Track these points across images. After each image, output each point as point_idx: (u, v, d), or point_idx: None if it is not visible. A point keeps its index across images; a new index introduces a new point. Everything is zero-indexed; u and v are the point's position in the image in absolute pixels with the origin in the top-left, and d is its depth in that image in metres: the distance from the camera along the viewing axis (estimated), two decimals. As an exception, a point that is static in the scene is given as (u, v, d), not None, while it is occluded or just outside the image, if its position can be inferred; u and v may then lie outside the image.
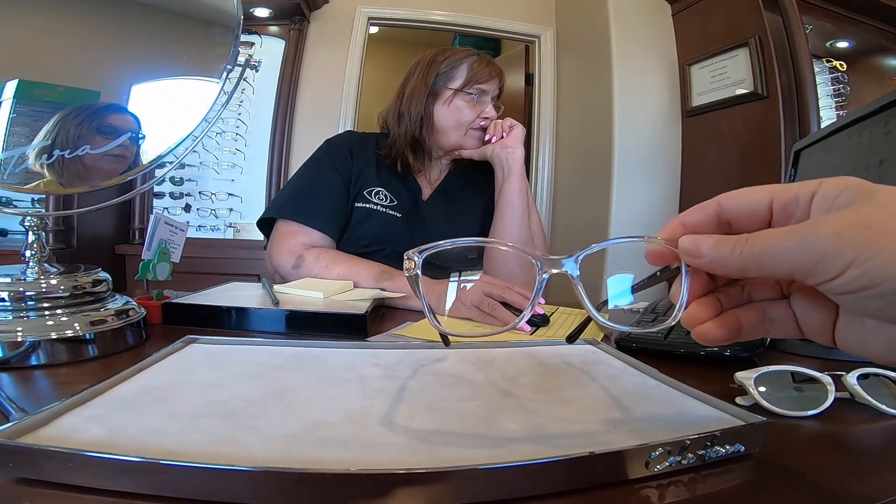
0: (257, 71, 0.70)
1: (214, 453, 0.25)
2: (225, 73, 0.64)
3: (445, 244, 0.31)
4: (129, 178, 0.61)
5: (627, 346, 0.54)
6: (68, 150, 0.54)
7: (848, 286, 0.21)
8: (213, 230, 2.28)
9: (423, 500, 0.23)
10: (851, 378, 0.40)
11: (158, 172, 0.68)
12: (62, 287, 0.49)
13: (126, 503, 0.23)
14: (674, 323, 0.29)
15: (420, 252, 0.31)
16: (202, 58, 0.66)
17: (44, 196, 0.67)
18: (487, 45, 3.50)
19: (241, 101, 2.29)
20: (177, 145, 0.61)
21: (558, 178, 2.61)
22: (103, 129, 0.58)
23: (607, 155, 2.15)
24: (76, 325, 0.47)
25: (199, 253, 2.05)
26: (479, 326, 0.65)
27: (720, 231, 0.26)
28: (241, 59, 0.66)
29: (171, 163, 0.65)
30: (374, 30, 2.67)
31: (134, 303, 0.56)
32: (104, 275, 0.54)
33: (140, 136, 0.60)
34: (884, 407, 0.38)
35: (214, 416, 0.30)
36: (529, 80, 2.76)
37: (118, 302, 0.54)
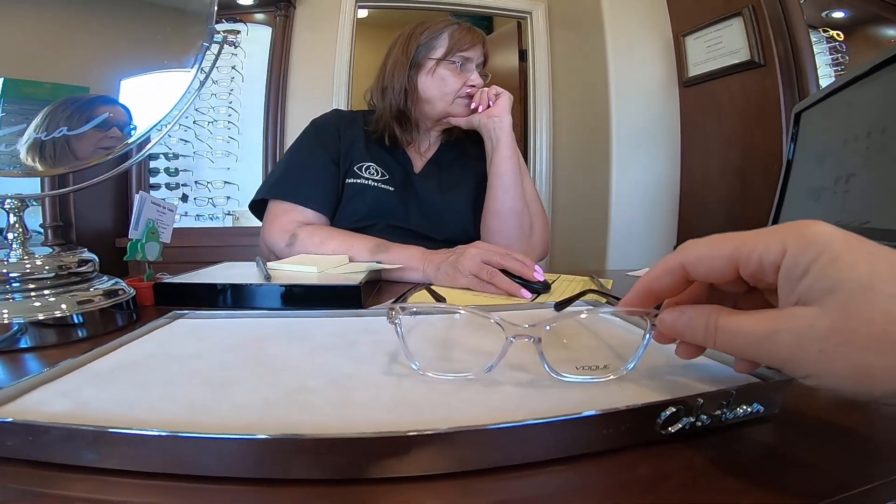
0: (236, 47, 0.69)
1: (185, 422, 0.24)
2: (202, 52, 0.63)
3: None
4: (113, 160, 0.59)
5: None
6: (45, 133, 0.53)
7: (810, 382, 0.23)
8: (211, 219, 2.28)
9: (408, 465, 0.21)
10: None
11: (147, 148, 0.67)
12: (47, 267, 0.48)
13: (96, 479, 0.21)
14: (622, 374, 0.30)
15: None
16: (180, 42, 0.65)
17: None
18: (481, 24, 3.44)
19: (232, 90, 2.27)
20: (155, 125, 0.60)
21: (557, 153, 2.58)
22: (91, 119, 0.57)
23: (605, 129, 2.13)
24: (63, 305, 0.47)
25: (199, 242, 2.05)
26: (478, 296, 0.64)
27: (690, 292, 0.29)
28: (219, 36, 0.65)
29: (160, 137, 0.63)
30: (363, 13, 2.63)
31: (123, 283, 0.55)
32: (90, 255, 0.53)
33: (132, 126, 0.60)
34: None
35: (188, 385, 0.28)
36: (523, 56, 2.72)
37: (106, 282, 0.53)
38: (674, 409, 0.24)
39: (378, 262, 0.75)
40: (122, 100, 0.58)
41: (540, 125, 2.59)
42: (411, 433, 0.21)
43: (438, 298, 0.57)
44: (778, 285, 0.23)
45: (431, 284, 0.70)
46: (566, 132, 2.53)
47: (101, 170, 0.60)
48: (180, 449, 0.21)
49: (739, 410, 0.26)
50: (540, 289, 0.64)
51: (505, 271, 0.65)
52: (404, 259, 0.76)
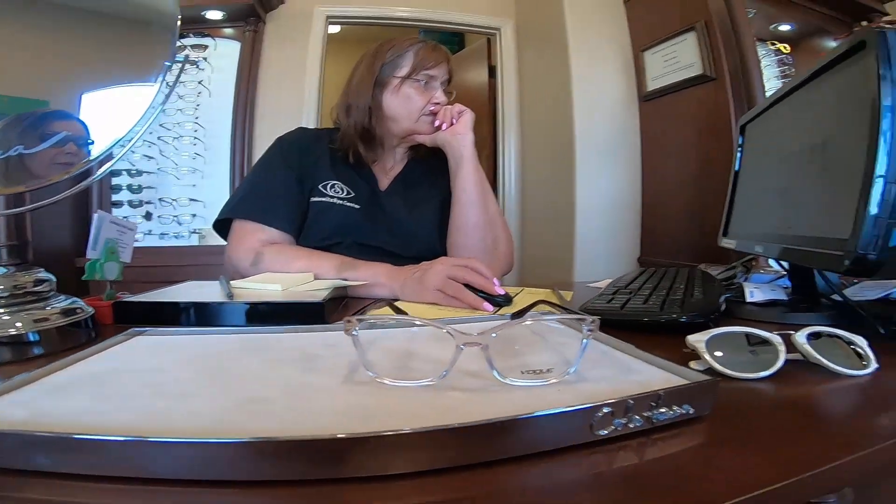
0: (197, 65, 0.69)
1: (138, 429, 0.24)
2: (164, 71, 0.63)
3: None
4: (72, 178, 0.59)
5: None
6: (1, 151, 0.52)
7: None
8: (177, 237, 2.23)
9: (356, 467, 0.22)
10: (801, 337, 0.39)
11: (109, 167, 0.66)
12: (1, 286, 0.48)
13: (52, 483, 0.22)
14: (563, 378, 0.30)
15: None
16: (143, 58, 0.65)
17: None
18: (452, 41, 3.51)
19: (198, 105, 2.24)
20: (113, 145, 0.60)
21: (525, 166, 2.64)
22: (47, 136, 0.56)
23: (569, 142, 2.19)
24: (18, 323, 0.46)
25: (165, 261, 2.00)
26: (443, 310, 0.66)
27: None
28: (181, 55, 0.65)
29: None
30: (335, 29, 2.65)
31: (81, 302, 0.55)
32: (46, 274, 0.53)
33: (89, 140, 0.59)
34: (834, 367, 0.38)
35: (146, 397, 0.29)
36: (493, 72, 2.79)
37: (63, 301, 0.53)
38: (606, 412, 0.26)
39: (344, 280, 0.76)
40: (81, 115, 0.58)
41: (508, 139, 2.65)
42: (364, 435, 0.22)
43: (400, 313, 0.58)
44: None
45: (397, 300, 0.71)
46: (534, 146, 2.59)
47: (61, 188, 0.59)
48: (134, 454, 0.22)
49: (669, 412, 0.28)
50: (502, 301, 0.67)
51: (469, 286, 0.67)
52: (371, 276, 0.77)
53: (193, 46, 2.20)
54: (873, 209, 0.50)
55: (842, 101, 0.60)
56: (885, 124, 0.50)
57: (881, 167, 0.50)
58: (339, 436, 0.22)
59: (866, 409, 0.34)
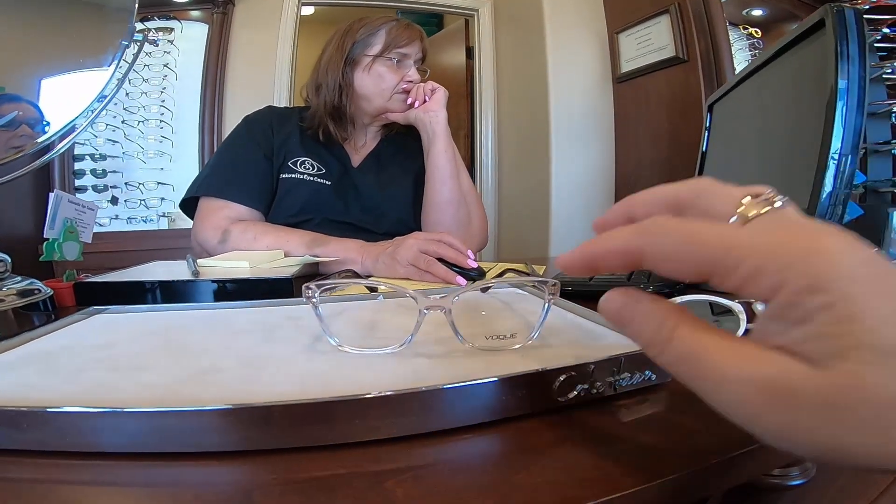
0: (156, 45, 0.68)
1: (85, 401, 0.24)
2: (121, 50, 0.61)
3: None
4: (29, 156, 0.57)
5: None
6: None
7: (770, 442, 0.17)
8: (145, 221, 2.17)
9: (311, 435, 0.22)
10: (761, 306, 0.41)
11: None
12: (-50, 268, 0.46)
13: None
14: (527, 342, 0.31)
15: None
16: (100, 39, 0.63)
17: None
18: (431, 22, 3.46)
19: (164, 88, 2.17)
20: (69, 124, 0.58)
21: (501, 147, 2.64)
22: None
23: (545, 124, 2.20)
24: (-30, 305, 0.45)
25: (134, 245, 1.96)
26: (416, 285, 0.66)
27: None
28: (139, 34, 0.63)
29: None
30: (308, 10, 2.58)
31: (39, 283, 0.53)
32: (1, 255, 0.51)
33: (44, 122, 0.57)
34: None
35: (97, 370, 0.28)
36: (470, 53, 2.76)
37: (20, 282, 0.51)
38: (566, 376, 0.26)
39: (314, 256, 0.75)
40: (38, 98, 0.56)
41: (486, 120, 2.64)
42: (318, 400, 0.22)
43: (372, 290, 0.58)
44: (763, 315, 0.18)
45: (370, 276, 0.71)
46: (510, 127, 2.59)
47: (14, 168, 0.57)
48: (82, 426, 0.21)
49: (631, 378, 0.28)
50: (475, 276, 0.67)
51: (442, 260, 0.67)
52: (342, 252, 0.77)
53: (158, 29, 2.12)
54: (828, 185, 0.51)
55: (801, 78, 0.61)
56: (841, 101, 0.51)
57: (836, 143, 0.52)
58: (292, 401, 0.22)
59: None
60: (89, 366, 0.29)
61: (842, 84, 0.52)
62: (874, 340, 0.15)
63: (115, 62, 0.62)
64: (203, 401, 0.23)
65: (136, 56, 0.66)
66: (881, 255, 0.16)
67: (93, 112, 0.61)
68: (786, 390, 0.16)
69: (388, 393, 0.23)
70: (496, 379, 0.25)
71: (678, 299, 0.41)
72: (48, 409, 0.21)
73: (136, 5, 0.63)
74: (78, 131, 0.62)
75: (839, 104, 0.52)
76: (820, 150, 0.53)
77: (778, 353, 0.17)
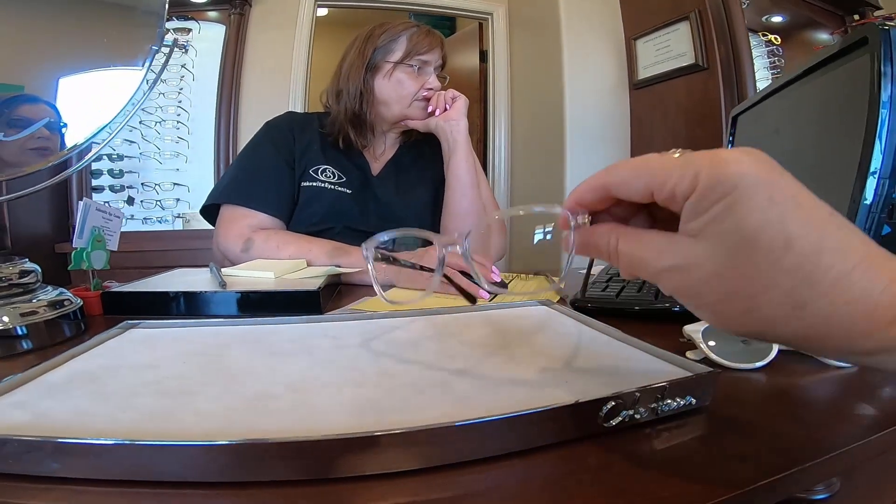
0: (186, 51, 0.67)
1: (146, 431, 0.24)
2: (151, 55, 0.61)
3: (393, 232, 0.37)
4: (52, 166, 0.57)
5: (582, 306, 0.56)
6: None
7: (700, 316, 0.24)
8: (160, 222, 2.19)
9: (367, 465, 0.22)
10: None
11: (89, 157, 0.64)
12: (-15, 279, 0.46)
13: (60, 489, 0.21)
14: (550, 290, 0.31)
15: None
16: (127, 42, 0.62)
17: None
18: (443, 24, 3.46)
19: (181, 89, 2.19)
20: (99, 130, 0.58)
21: (515, 152, 2.63)
22: (14, 122, 0.54)
23: (560, 128, 2.19)
24: (5, 317, 0.45)
25: (148, 246, 1.97)
26: (438, 297, 0.65)
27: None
28: (169, 38, 0.63)
29: (98, 143, 0.61)
30: (323, 12, 2.59)
31: (68, 293, 0.53)
32: (32, 265, 0.51)
33: (61, 124, 0.57)
34: (824, 359, 0.39)
35: (148, 395, 0.28)
36: (484, 57, 2.76)
37: (51, 293, 0.51)
38: (614, 404, 0.26)
39: (337, 266, 0.75)
40: (57, 100, 0.55)
41: (499, 124, 2.63)
42: (375, 433, 0.22)
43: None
44: (684, 213, 0.23)
45: (393, 286, 0.71)
46: (524, 131, 2.58)
47: (39, 177, 0.57)
48: (144, 457, 0.21)
49: (674, 403, 0.28)
50: (498, 289, 0.66)
51: (465, 273, 0.67)
52: (364, 262, 0.76)
53: (176, 30, 2.14)
54: (867, 200, 0.50)
55: (839, 96, 0.60)
56: (883, 120, 0.50)
57: (876, 162, 0.51)
58: (349, 435, 0.22)
59: (851, 400, 0.35)
60: (139, 390, 0.29)
61: (885, 99, 0.51)
62: (749, 223, 0.20)
63: (146, 67, 0.61)
64: (269, 432, 0.24)
65: (164, 65, 0.66)
66: (778, 164, 0.21)
67: (122, 121, 0.61)
68: (682, 268, 0.22)
69: (459, 423, 0.23)
70: (548, 408, 0.25)
71: (688, 328, 0.41)
72: (125, 442, 0.21)
73: (166, 8, 0.63)
74: (107, 140, 0.62)
75: (881, 124, 0.51)
76: (857, 169, 0.52)
77: (685, 238, 0.22)
